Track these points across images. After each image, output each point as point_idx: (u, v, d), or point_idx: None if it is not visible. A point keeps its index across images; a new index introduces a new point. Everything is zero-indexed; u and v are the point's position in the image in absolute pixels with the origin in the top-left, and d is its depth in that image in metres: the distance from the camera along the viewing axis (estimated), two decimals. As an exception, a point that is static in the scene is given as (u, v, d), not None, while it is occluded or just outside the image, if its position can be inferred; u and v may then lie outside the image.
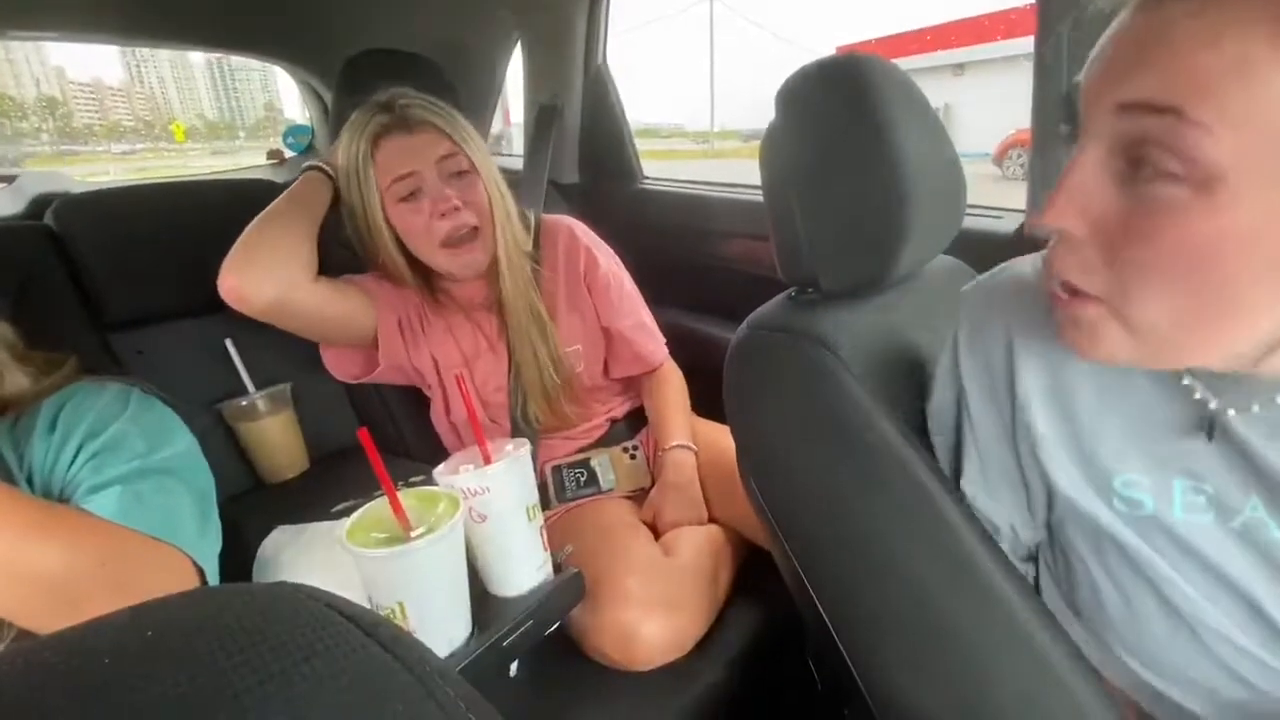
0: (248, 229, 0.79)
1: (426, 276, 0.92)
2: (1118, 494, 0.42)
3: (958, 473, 0.50)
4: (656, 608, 0.73)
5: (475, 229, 0.84)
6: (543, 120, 1.46)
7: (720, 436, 0.98)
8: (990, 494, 0.49)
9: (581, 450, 1.01)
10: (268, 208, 0.81)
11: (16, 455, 0.54)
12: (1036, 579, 0.52)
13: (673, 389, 1.03)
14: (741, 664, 0.77)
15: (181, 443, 0.61)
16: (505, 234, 0.87)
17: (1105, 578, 0.45)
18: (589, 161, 1.55)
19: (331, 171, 0.86)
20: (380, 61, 1.14)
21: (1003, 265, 0.50)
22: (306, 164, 0.88)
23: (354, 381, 0.95)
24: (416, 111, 0.82)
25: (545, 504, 0.80)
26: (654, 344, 1.03)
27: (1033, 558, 0.53)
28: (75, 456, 0.53)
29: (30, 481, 0.53)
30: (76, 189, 1.45)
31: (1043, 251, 0.50)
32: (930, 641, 0.47)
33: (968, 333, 0.48)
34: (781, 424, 0.55)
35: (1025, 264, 0.49)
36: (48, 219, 0.94)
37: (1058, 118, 0.77)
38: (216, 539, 0.60)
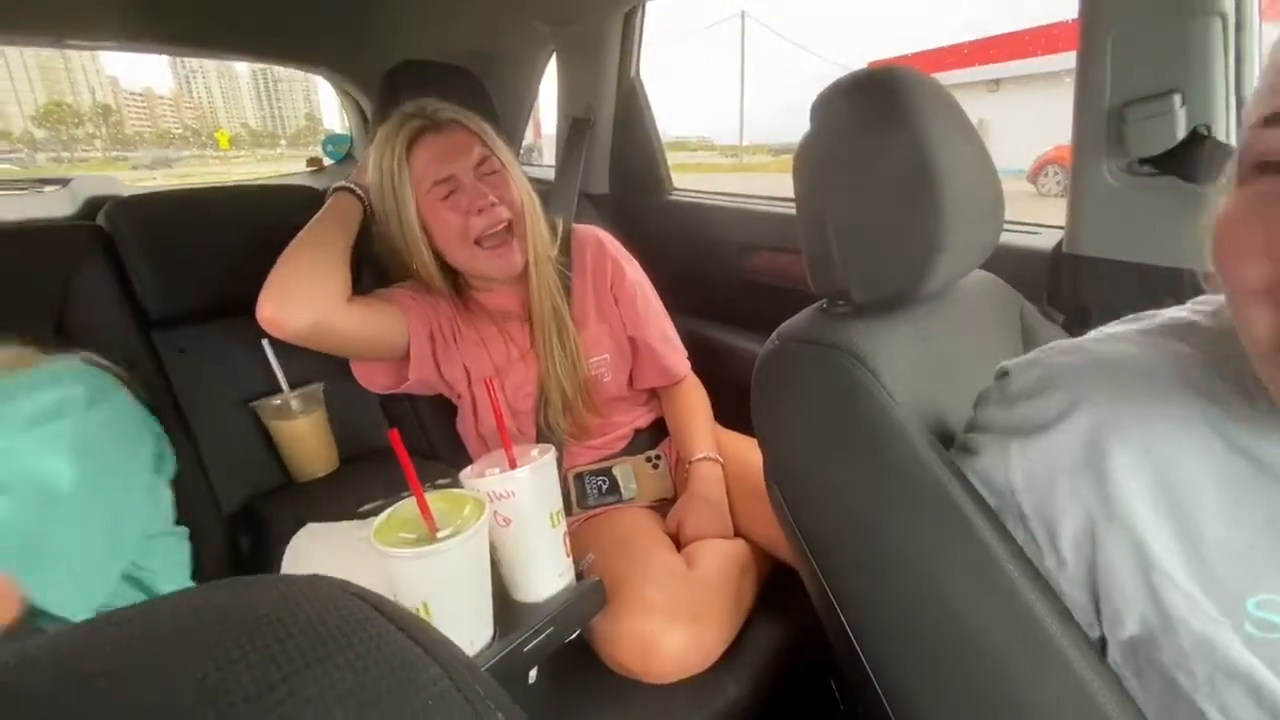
0: (282, 257, 0.79)
1: (458, 285, 0.93)
2: (1250, 616, 0.36)
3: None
4: (678, 619, 0.72)
5: (509, 225, 0.86)
6: (575, 132, 1.48)
7: (745, 449, 0.98)
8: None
9: (605, 459, 1.01)
10: (300, 233, 0.82)
11: None
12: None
13: (696, 402, 1.03)
14: (762, 680, 0.76)
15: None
16: (534, 234, 0.89)
17: (1218, 713, 0.37)
18: (619, 173, 1.56)
19: (360, 190, 0.87)
20: (419, 72, 1.17)
21: (1093, 342, 0.44)
22: (335, 184, 0.88)
23: (383, 392, 0.96)
24: (444, 114, 0.86)
25: (566, 511, 0.80)
26: (677, 357, 1.03)
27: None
28: None
29: None
30: (125, 193, 1.50)
31: (1123, 326, 0.45)
32: (963, 670, 0.46)
33: (1030, 423, 0.42)
34: (810, 437, 0.54)
35: (1125, 343, 0.42)
36: (99, 219, 0.97)
37: (1100, 134, 0.76)
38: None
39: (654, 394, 1.08)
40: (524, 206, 0.88)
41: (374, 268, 0.99)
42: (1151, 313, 0.46)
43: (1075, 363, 0.43)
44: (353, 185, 0.87)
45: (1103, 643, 0.44)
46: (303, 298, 0.78)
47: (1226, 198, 0.36)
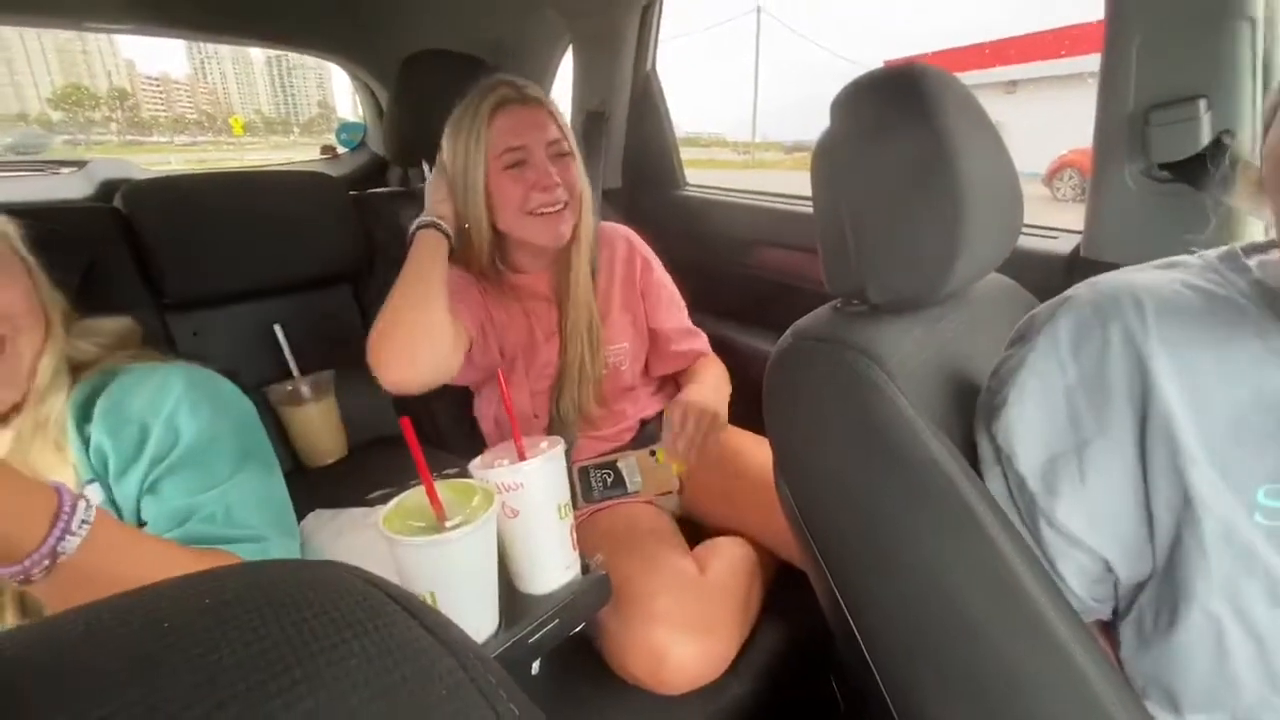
0: (391, 315, 0.77)
1: (494, 262, 0.94)
2: (1260, 506, 0.39)
3: (1046, 496, 0.46)
4: (690, 630, 0.71)
5: (566, 205, 0.89)
6: (591, 127, 1.47)
7: (755, 448, 0.98)
8: (1091, 520, 0.44)
9: (610, 452, 1.01)
10: (402, 290, 0.79)
11: (78, 422, 0.56)
12: (1113, 642, 0.47)
13: (711, 366, 1.05)
14: (765, 681, 0.76)
15: (235, 435, 0.62)
16: (586, 221, 0.93)
17: (1238, 627, 0.39)
18: (632, 167, 1.55)
19: (443, 224, 0.84)
20: (435, 61, 1.17)
21: (1112, 274, 0.47)
22: (419, 221, 0.84)
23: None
24: (530, 90, 0.88)
25: (572, 504, 0.80)
26: (698, 342, 1.06)
27: (1116, 610, 0.47)
28: (156, 466, 0.56)
29: (89, 452, 0.56)
30: (141, 176, 1.51)
31: (1168, 260, 0.48)
32: (971, 671, 0.46)
33: (1072, 339, 0.44)
34: (822, 436, 0.54)
35: (1143, 271, 0.46)
36: (116, 202, 0.98)
37: (1122, 138, 0.75)
38: None
39: (664, 383, 1.09)
40: (582, 193, 0.91)
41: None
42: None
43: (1120, 288, 0.45)
44: (435, 220, 0.84)
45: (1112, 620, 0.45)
46: (429, 362, 0.78)
47: (1275, 130, 0.39)
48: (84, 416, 0.56)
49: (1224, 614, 0.39)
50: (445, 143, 0.89)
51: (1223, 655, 0.39)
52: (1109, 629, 0.48)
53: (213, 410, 0.59)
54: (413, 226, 0.85)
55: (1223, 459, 0.39)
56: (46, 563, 0.39)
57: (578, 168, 0.91)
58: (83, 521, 0.41)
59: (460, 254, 0.91)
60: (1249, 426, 0.39)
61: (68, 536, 0.40)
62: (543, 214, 0.87)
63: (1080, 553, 0.45)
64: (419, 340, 0.77)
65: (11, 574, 0.39)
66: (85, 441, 0.56)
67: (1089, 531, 0.44)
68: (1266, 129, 0.41)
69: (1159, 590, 0.43)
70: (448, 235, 0.85)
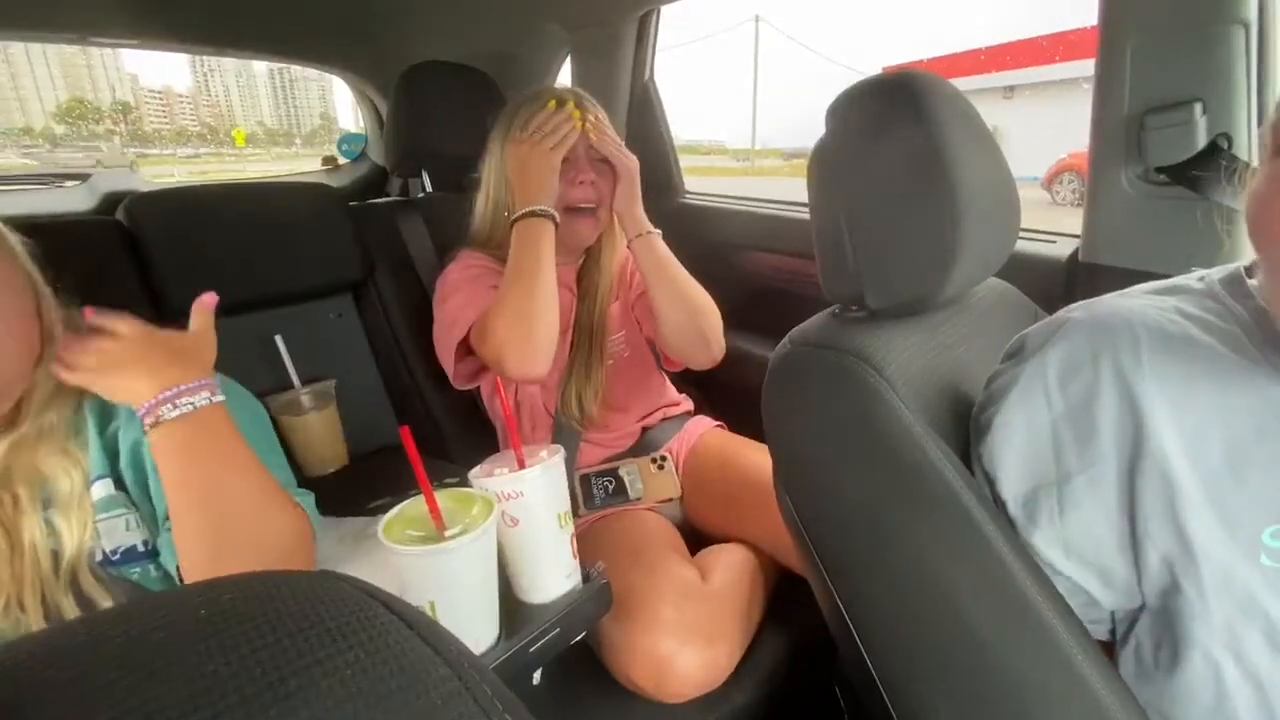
0: (509, 306, 0.81)
1: None
2: (1266, 547, 0.37)
3: (1026, 523, 0.46)
4: (693, 640, 0.71)
5: (594, 210, 0.93)
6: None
7: (756, 454, 0.98)
8: (1067, 553, 0.44)
9: (611, 459, 1.02)
10: (518, 277, 0.82)
11: (100, 425, 0.57)
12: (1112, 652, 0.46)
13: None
14: (767, 689, 0.75)
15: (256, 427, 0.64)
16: (615, 232, 0.99)
17: (1239, 672, 0.38)
18: (631, 175, 1.56)
19: (548, 210, 0.85)
20: (436, 73, 1.18)
21: (1109, 298, 0.46)
22: (525, 210, 0.85)
23: (468, 386, 0.97)
24: (586, 102, 0.94)
25: (573, 512, 0.80)
26: None
27: (1111, 630, 0.47)
28: None
29: (106, 445, 0.57)
30: (144, 188, 1.52)
31: (1169, 284, 0.46)
32: (976, 681, 0.45)
33: (1060, 371, 0.43)
34: (821, 441, 0.54)
35: (1136, 298, 0.45)
36: (119, 214, 0.99)
37: (1119, 142, 0.75)
38: None
39: (664, 392, 1.09)
40: (614, 200, 0.95)
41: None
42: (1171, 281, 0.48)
43: (1110, 318, 0.44)
44: (539, 210, 0.85)
45: (1111, 643, 0.45)
46: (547, 352, 0.83)
47: (1262, 173, 0.38)
48: (106, 417, 0.57)
49: (1224, 660, 0.38)
50: (501, 137, 0.92)
51: (1222, 697, 0.39)
52: (1110, 650, 0.47)
53: (236, 404, 0.60)
54: (515, 215, 0.86)
55: (1224, 501, 0.38)
56: (151, 419, 0.51)
57: (614, 181, 0.94)
58: (190, 403, 0.52)
59: (494, 239, 0.94)
60: (1252, 466, 0.38)
61: (167, 406, 0.51)
62: (574, 211, 0.91)
63: (1061, 580, 0.45)
64: (541, 334, 0.82)
65: (140, 413, 0.51)
66: (110, 440, 0.57)
67: (1066, 563, 0.44)
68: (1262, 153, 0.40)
69: (1156, 628, 0.42)
70: (553, 219, 0.86)
